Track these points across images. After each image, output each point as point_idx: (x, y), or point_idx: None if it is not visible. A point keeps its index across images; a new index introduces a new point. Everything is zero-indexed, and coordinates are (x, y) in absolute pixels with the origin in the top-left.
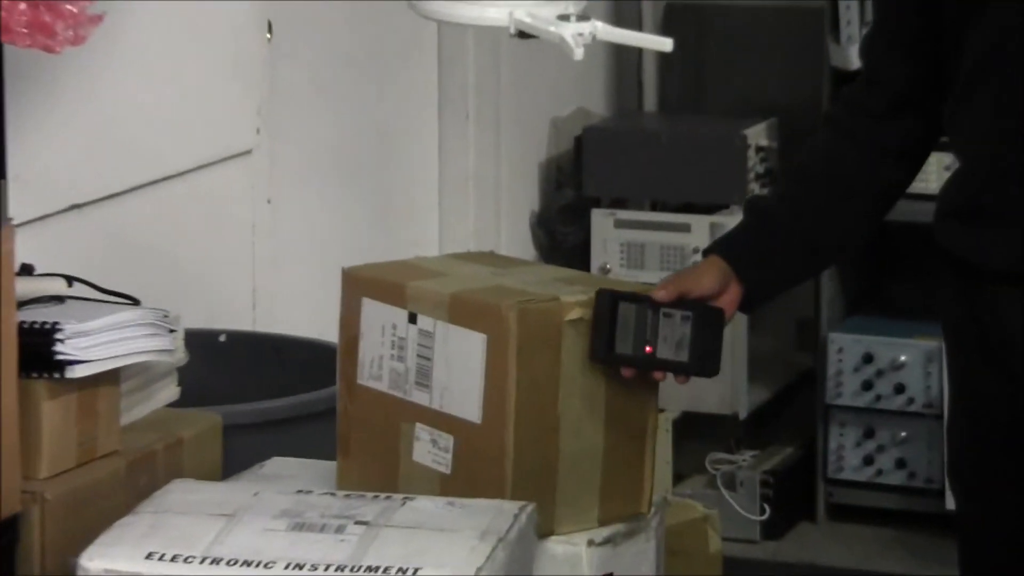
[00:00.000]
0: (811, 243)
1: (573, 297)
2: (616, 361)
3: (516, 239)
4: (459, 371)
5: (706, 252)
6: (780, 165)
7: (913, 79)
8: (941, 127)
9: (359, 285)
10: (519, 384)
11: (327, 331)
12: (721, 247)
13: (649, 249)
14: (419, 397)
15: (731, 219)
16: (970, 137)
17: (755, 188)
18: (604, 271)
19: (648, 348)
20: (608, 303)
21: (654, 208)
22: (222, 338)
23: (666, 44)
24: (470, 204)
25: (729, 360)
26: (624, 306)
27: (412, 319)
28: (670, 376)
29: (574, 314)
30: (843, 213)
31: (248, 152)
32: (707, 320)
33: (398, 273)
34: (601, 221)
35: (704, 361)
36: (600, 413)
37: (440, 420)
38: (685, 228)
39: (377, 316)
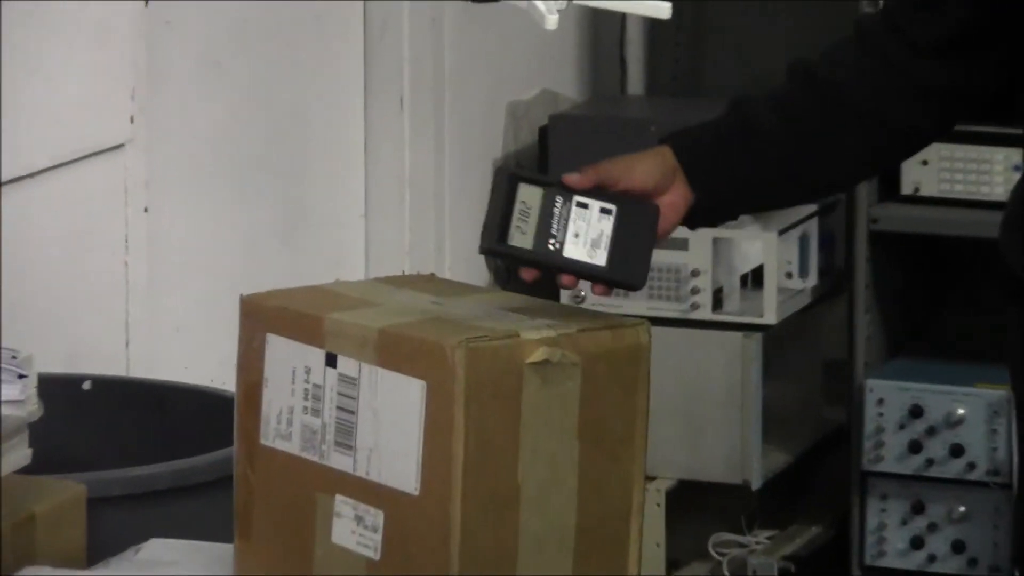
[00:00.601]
0: (796, 168)
1: (537, 333)
2: (510, 256)
3: (464, 259)
4: (391, 428)
5: (661, 140)
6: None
7: (977, 20)
8: (989, 94)
9: (263, 317)
10: (468, 445)
11: (221, 376)
12: (677, 138)
13: None
14: (340, 462)
15: (739, 232)
16: None
17: None
18: (577, 299)
19: (554, 244)
20: (506, 184)
21: None
22: (87, 385)
23: (663, 9)
24: (405, 214)
25: (738, 414)
26: (526, 188)
27: (331, 361)
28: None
29: (538, 355)
30: (848, 145)
31: (120, 146)
32: (634, 217)
33: (313, 302)
34: None
35: (626, 266)
36: (571, 482)
37: (367, 491)
38: (681, 245)
39: (286, 357)
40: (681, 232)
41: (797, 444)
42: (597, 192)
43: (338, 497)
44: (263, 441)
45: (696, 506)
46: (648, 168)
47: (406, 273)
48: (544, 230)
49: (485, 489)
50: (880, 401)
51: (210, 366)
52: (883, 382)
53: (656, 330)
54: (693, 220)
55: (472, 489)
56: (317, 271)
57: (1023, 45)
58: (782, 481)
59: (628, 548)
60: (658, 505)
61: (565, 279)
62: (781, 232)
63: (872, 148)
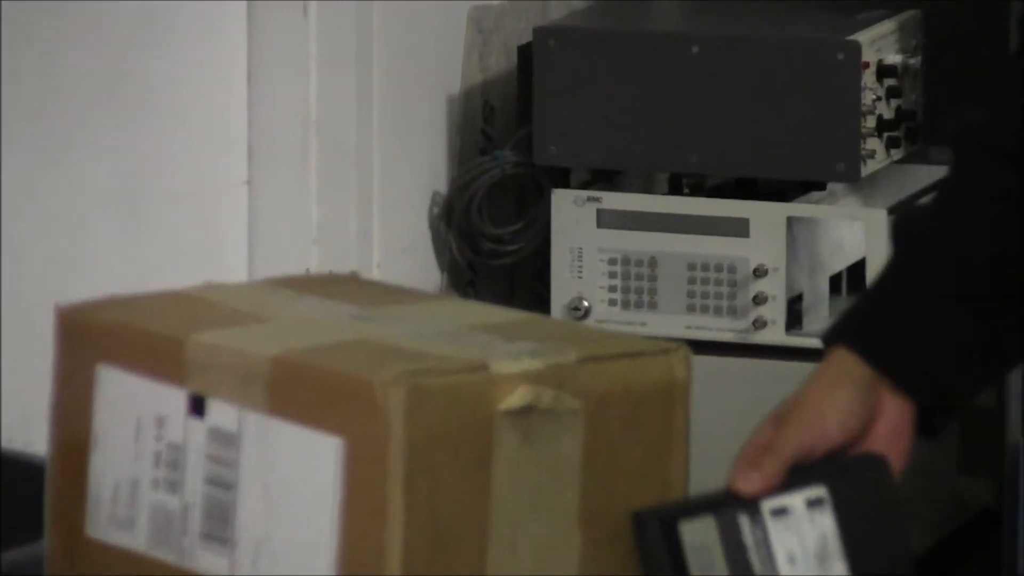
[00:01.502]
0: None
1: (516, 365)
2: None
3: (402, 251)
4: (292, 511)
5: (826, 340)
6: (924, 108)
7: None
8: None
9: (91, 340)
10: (411, 537)
11: (24, 431)
12: (849, 329)
13: (667, 269)
14: (211, 564)
15: (827, 209)
16: None
17: (876, 148)
18: (577, 311)
19: None
20: (660, 535)
21: (675, 188)
22: None
23: None
24: (310, 179)
25: None
26: (690, 527)
27: (196, 408)
28: None
29: (519, 398)
30: None
31: None
32: (858, 488)
33: (169, 316)
34: (571, 214)
35: (879, 563)
36: None
37: None
38: (739, 229)
39: (127, 402)
40: (738, 209)
41: (920, 536)
42: (790, 482)
43: None
44: (90, 532)
45: None
46: (841, 407)
47: (313, 272)
48: (745, 572)
49: None
50: None
51: (4, 415)
52: None
53: (701, 360)
54: (930, 428)
55: None
56: (175, 267)
57: None
58: None
59: None
60: None
61: None
62: (893, 209)
63: None
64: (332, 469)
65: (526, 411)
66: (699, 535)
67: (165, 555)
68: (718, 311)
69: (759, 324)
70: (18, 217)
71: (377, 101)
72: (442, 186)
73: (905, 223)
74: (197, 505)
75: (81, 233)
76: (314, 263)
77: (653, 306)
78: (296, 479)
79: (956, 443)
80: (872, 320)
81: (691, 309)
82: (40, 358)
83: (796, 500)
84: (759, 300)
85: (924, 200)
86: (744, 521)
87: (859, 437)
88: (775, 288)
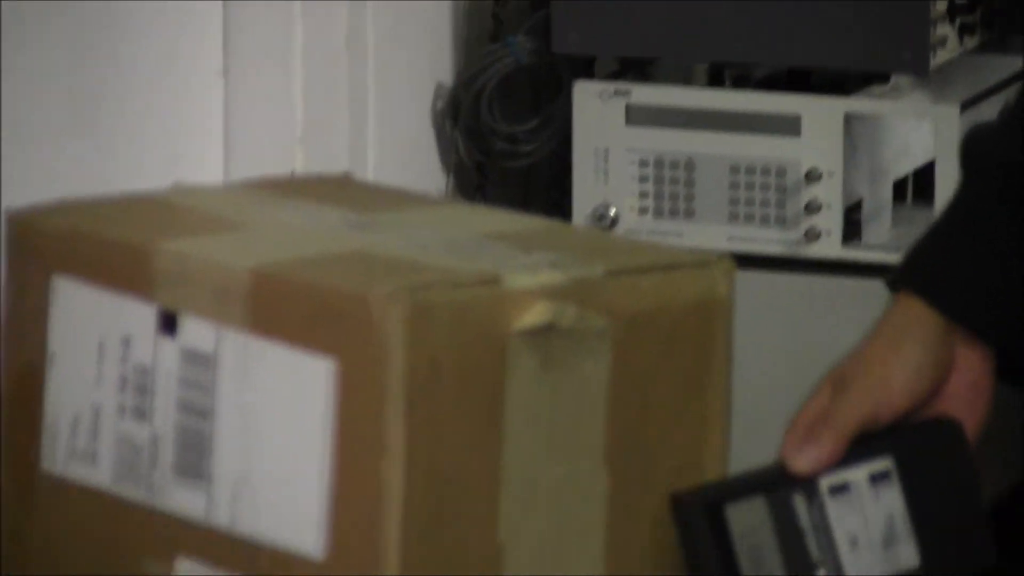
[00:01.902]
0: None
1: (533, 278)
2: None
3: (401, 148)
4: (275, 443)
5: (893, 285)
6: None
7: None
8: None
9: (46, 249)
10: (412, 474)
11: None
12: (918, 272)
13: (706, 172)
14: (185, 501)
15: (891, 105)
16: None
17: (948, 35)
18: (603, 220)
19: (824, 573)
20: (703, 521)
21: (717, 82)
22: None
23: None
24: (296, 66)
25: None
26: (738, 511)
27: (167, 325)
28: None
29: (536, 316)
30: None
31: None
32: (931, 460)
33: (135, 222)
34: (596, 109)
35: (957, 543)
36: (595, 537)
37: (231, 553)
38: (789, 127)
39: (87, 319)
40: (788, 104)
41: (993, 477)
42: (852, 455)
43: (182, 563)
44: (47, 467)
45: None
46: (910, 367)
47: (298, 172)
48: (801, 559)
49: (441, 552)
50: None
51: None
52: None
53: (745, 275)
54: (1012, 377)
55: (419, 553)
56: (139, 170)
57: None
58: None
59: None
60: None
61: None
62: (966, 106)
63: None
64: (322, 396)
65: (545, 331)
66: (748, 520)
67: (132, 492)
68: (765, 220)
69: (812, 235)
70: None
71: None
72: (448, 78)
73: (976, 142)
74: (169, 436)
75: (37, 126)
76: (299, 164)
77: (690, 214)
78: (281, 406)
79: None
80: (943, 261)
81: (733, 218)
82: None
83: (858, 475)
84: (812, 208)
85: (1001, 111)
86: (799, 502)
87: (930, 399)
88: (830, 195)
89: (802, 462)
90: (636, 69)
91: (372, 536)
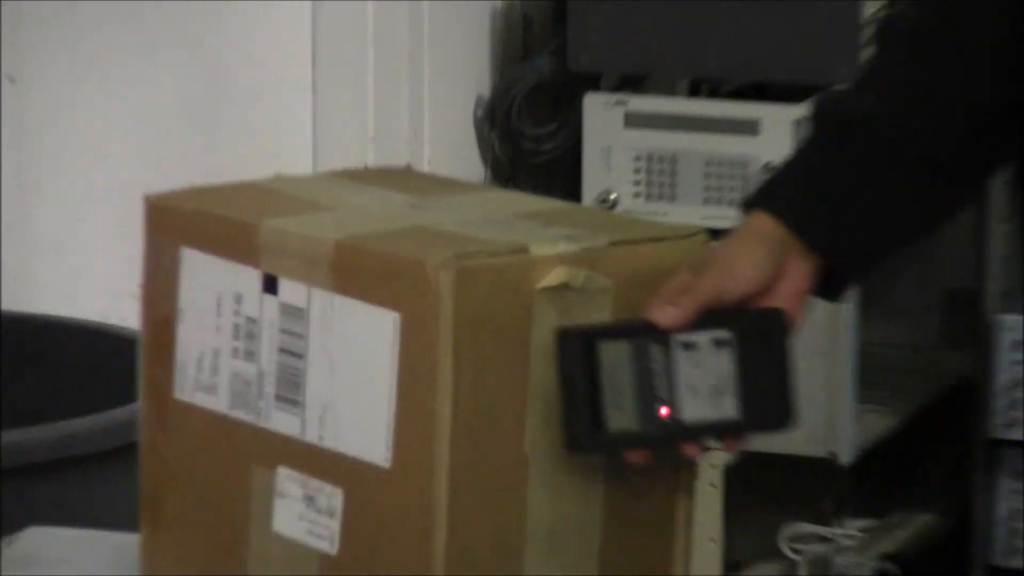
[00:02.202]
0: (940, 163)
1: (554, 248)
2: (612, 445)
3: (449, 147)
4: (353, 378)
5: (746, 205)
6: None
7: None
8: None
9: (176, 226)
10: (458, 401)
11: (117, 309)
12: (770, 197)
13: (686, 165)
14: (283, 423)
15: None
16: None
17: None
18: (606, 203)
19: (665, 409)
20: (579, 351)
21: (695, 93)
22: None
23: None
24: (368, 82)
25: (824, 365)
26: (607, 348)
27: (270, 286)
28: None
29: (556, 278)
30: (996, 105)
31: None
32: (759, 337)
33: (244, 205)
34: (601, 116)
35: (765, 408)
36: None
37: (320, 463)
38: (751, 128)
39: (208, 281)
40: (750, 111)
41: (904, 405)
42: (700, 322)
43: (281, 470)
44: (178, 396)
45: (765, 488)
46: (754, 259)
47: (370, 166)
48: (648, 397)
49: (482, 462)
50: (1018, 344)
51: (101, 295)
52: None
53: (716, 245)
54: (829, 291)
55: (464, 462)
56: (247, 163)
57: None
58: (883, 454)
59: (673, 544)
60: (713, 486)
61: (690, 450)
62: None
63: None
64: (389, 341)
65: (562, 289)
66: (614, 356)
67: (243, 415)
68: (731, 202)
69: None
70: (112, 115)
71: (427, 15)
72: (486, 91)
73: (823, 102)
74: (271, 372)
75: (170, 131)
76: (371, 159)
77: (673, 198)
78: (357, 349)
79: (938, 320)
80: (788, 187)
81: (707, 201)
82: (131, 244)
83: (703, 338)
84: None
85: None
86: (655, 349)
87: (765, 292)
88: None
89: (663, 318)
90: (632, 84)
91: (426, 450)
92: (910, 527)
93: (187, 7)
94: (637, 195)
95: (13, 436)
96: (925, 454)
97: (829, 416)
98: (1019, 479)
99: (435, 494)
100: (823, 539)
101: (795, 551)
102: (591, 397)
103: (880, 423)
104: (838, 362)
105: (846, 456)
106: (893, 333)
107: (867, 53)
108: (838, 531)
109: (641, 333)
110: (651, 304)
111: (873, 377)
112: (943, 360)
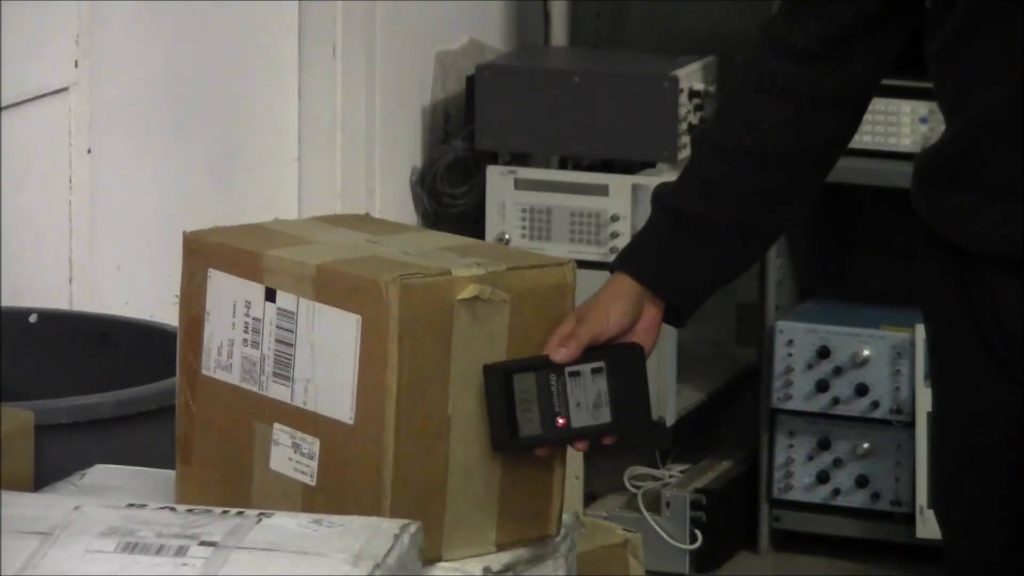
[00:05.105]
0: (738, 233)
1: (467, 271)
2: (525, 445)
3: (393, 202)
4: (327, 360)
5: (612, 268)
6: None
7: (864, 5)
8: (888, 66)
9: (204, 253)
10: (401, 377)
11: (163, 311)
12: (628, 262)
13: (558, 216)
14: (278, 392)
15: (656, 179)
16: (970, 83)
17: (688, 142)
18: (502, 241)
19: (561, 420)
20: (500, 379)
21: (564, 166)
22: (33, 318)
23: None
24: (336, 157)
25: (654, 356)
26: (520, 379)
27: (270, 296)
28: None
29: (468, 292)
30: (774, 189)
31: (64, 90)
32: (623, 365)
33: (253, 239)
34: (498, 181)
35: (629, 414)
36: None
37: (304, 420)
38: (602, 191)
39: (227, 291)
40: (601, 179)
41: (710, 383)
42: (583, 357)
43: (276, 426)
44: (204, 372)
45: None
46: (620, 309)
47: (339, 212)
48: (548, 412)
49: (417, 420)
50: (790, 342)
51: (149, 302)
52: (793, 324)
53: (581, 272)
54: (674, 320)
55: (405, 420)
56: (252, 211)
57: (940, 20)
58: (695, 418)
59: (552, 478)
60: None
61: (579, 446)
62: None
63: (798, 177)
64: (353, 336)
65: (474, 300)
66: (524, 383)
67: (250, 386)
68: (590, 241)
69: (614, 250)
70: (162, 176)
71: (378, 110)
72: (419, 163)
73: (659, 194)
74: (270, 356)
75: (199, 189)
76: (338, 208)
77: (549, 238)
78: (331, 341)
79: (734, 324)
80: (640, 255)
81: (572, 240)
82: (172, 266)
83: (585, 368)
84: (614, 235)
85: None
86: (553, 378)
87: (628, 331)
88: (624, 228)
89: (557, 356)
90: (520, 159)
91: (379, 411)
92: (716, 470)
93: (213, 108)
94: (524, 236)
95: (88, 399)
96: (726, 418)
97: (658, 391)
98: (791, 437)
99: (384, 443)
100: (655, 478)
101: (635, 486)
102: (509, 412)
103: (693, 396)
104: (664, 354)
105: (670, 419)
106: (702, 333)
107: (682, 140)
108: (665, 472)
109: (543, 367)
110: (548, 345)
111: (688, 364)
112: (737, 353)
